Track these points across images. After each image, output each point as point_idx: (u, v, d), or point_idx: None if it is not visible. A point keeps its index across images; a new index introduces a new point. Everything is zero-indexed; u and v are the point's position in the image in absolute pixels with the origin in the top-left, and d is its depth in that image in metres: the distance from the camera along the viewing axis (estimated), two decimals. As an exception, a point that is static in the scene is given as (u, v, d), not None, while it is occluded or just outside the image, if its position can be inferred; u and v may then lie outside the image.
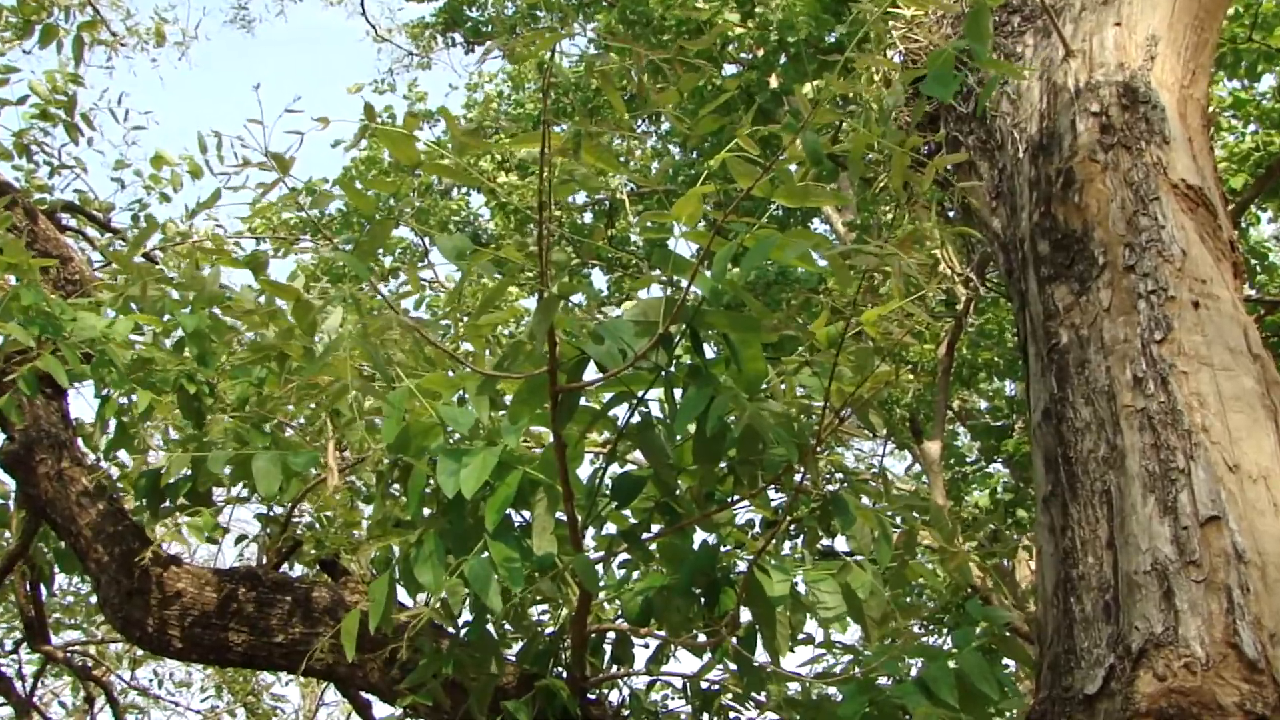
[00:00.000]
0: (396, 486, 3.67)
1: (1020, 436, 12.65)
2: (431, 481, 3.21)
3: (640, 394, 2.91)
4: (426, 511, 3.29)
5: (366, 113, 2.49)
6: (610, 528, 3.45)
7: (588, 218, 13.69)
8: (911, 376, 10.93)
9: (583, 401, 2.96)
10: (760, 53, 10.51)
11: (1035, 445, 3.46)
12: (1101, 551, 2.96)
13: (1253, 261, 11.67)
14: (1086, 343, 3.33)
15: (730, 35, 10.04)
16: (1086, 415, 3.20)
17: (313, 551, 4.24)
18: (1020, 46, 4.60)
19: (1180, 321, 3.18)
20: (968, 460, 14.49)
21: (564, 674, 3.55)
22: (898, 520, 3.42)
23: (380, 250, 12.17)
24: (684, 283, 2.66)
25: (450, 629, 3.64)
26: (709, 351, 2.90)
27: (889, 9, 5.66)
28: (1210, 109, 4.39)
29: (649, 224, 2.77)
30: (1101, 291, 3.38)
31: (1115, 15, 4.16)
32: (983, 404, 15.20)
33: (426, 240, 12.67)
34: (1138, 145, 3.67)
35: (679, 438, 2.97)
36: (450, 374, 3.33)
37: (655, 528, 3.28)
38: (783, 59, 10.15)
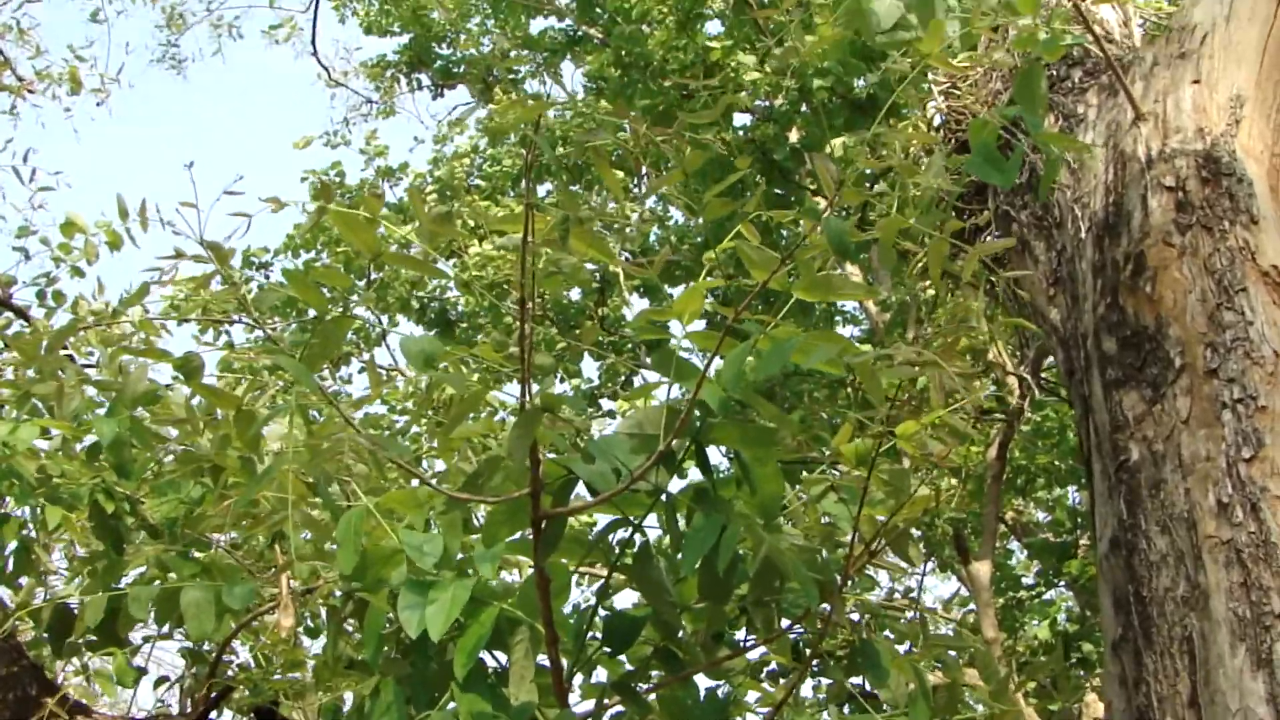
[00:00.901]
0: (351, 622, 3.66)
1: (1087, 555, 12.62)
2: (392, 617, 3.21)
3: (637, 521, 2.93)
4: (386, 652, 3.29)
5: (321, 193, 2.53)
6: (601, 675, 3.44)
7: (575, 294, 13.79)
8: (955, 483, 10.93)
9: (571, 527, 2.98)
10: (779, 102, 10.65)
11: (1103, 580, 3.48)
12: (1183, 711, 2.96)
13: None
14: (1162, 460, 3.36)
15: (744, 82, 10.18)
16: (1162, 546, 3.22)
17: (247, 696, 4.22)
18: (1082, 106, 4.68)
19: (1274, 436, 3.21)
20: (1024, 584, 14.43)
21: None
22: (938, 665, 3.41)
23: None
24: (688, 391, 2.69)
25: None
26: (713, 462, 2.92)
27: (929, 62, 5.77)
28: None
29: (647, 322, 2.81)
30: (1179, 399, 3.41)
31: (1194, 72, 4.24)
32: (1041, 516, 15.18)
33: (385, 319, 12.74)
34: (1220, 225, 3.72)
35: (684, 572, 2.98)
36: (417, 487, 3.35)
37: (655, 675, 3.27)
38: (804, 107, 10.27)
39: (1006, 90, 5.24)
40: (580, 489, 2.93)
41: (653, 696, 3.32)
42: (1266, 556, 3.00)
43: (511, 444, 2.61)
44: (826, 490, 2.98)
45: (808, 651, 3.11)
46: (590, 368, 14.89)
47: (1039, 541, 13.76)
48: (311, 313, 2.70)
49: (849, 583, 2.91)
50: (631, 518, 2.95)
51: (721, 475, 2.94)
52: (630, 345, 13.48)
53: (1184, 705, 2.95)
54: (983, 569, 10.93)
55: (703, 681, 3.40)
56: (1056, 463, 13.10)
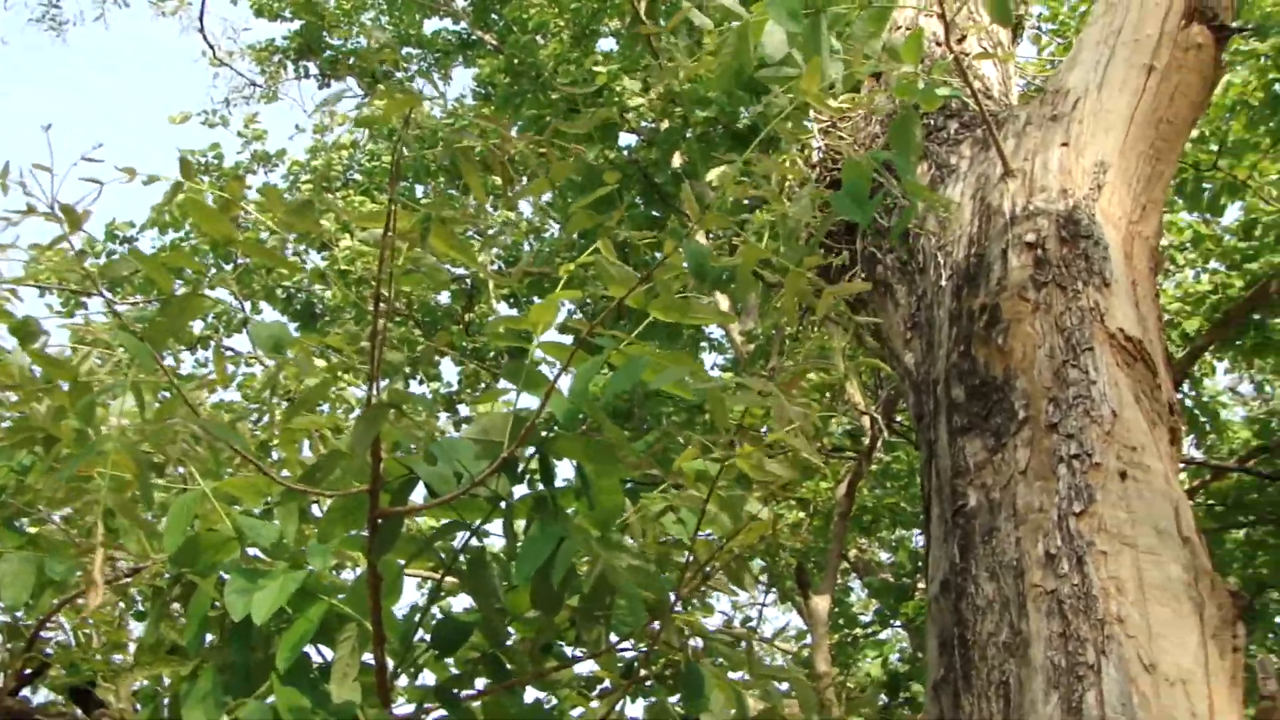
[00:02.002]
0: (176, 605, 3.61)
1: (924, 597, 12.84)
2: (219, 605, 3.17)
3: (475, 525, 2.93)
4: (208, 639, 3.25)
5: (182, 169, 2.50)
6: (427, 678, 3.43)
7: (444, 298, 13.73)
8: (803, 516, 11.06)
9: (407, 528, 2.97)
10: (664, 125, 10.71)
11: (931, 621, 3.55)
12: (994, 753, 3.03)
13: (1202, 419, 12.09)
14: (997, 508, 3.44)
15: (629, 105, 10.23)
16: (990, 592, 3.30)
17: (64, 675, 4.14)
18: (955, 157, 4.79)
19: (1104, 493, 3.31)
20: (860, 621, 14.65)
21: None
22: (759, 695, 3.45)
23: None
24: (536, 401, 2.70)
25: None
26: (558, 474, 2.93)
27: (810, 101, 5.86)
28: (1162, 246, 4.60)
29: (504, 330, 2.82)
30: (1019, 450, 3.50)
31: (1063, 134, 4.36)
32: (884, 556, 15.43)
33: (247, 305, 12.58)
34: (1074, 286, 3.82)
35: (517, 581, 2.99)
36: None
37: (480, 683, 3.27)
38: (688, 134, 10.34)
39: (884, 135, 5.34)
40: (420, 490, 2.93)
41: (477, 704, 3.32)
42: (1087, 609, 3.09)
43: (355, 438, 2.60)
44: (666, 510, 3.01)
45: (636, 669, 3.12)
46: (450, 372, 14.83)
47: (879, 581, 13.98)
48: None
49: (682, 604, 2.94)
50: (469, 522, 2.96)
51: (563, 487, 2.95)
52: (493, 353, 13.45)
53: (995, 748, 3.03)
54: (822, 603, 11.08)
55: (530, 694, 3.41)
56: (903, 505, 13.33)
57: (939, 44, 5.33)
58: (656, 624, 2.93)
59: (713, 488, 2.80)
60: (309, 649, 3.13)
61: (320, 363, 3.43)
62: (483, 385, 13.71)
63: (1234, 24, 4.80)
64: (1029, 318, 3.79)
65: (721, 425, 2.62)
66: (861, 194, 3.53)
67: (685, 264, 2.49)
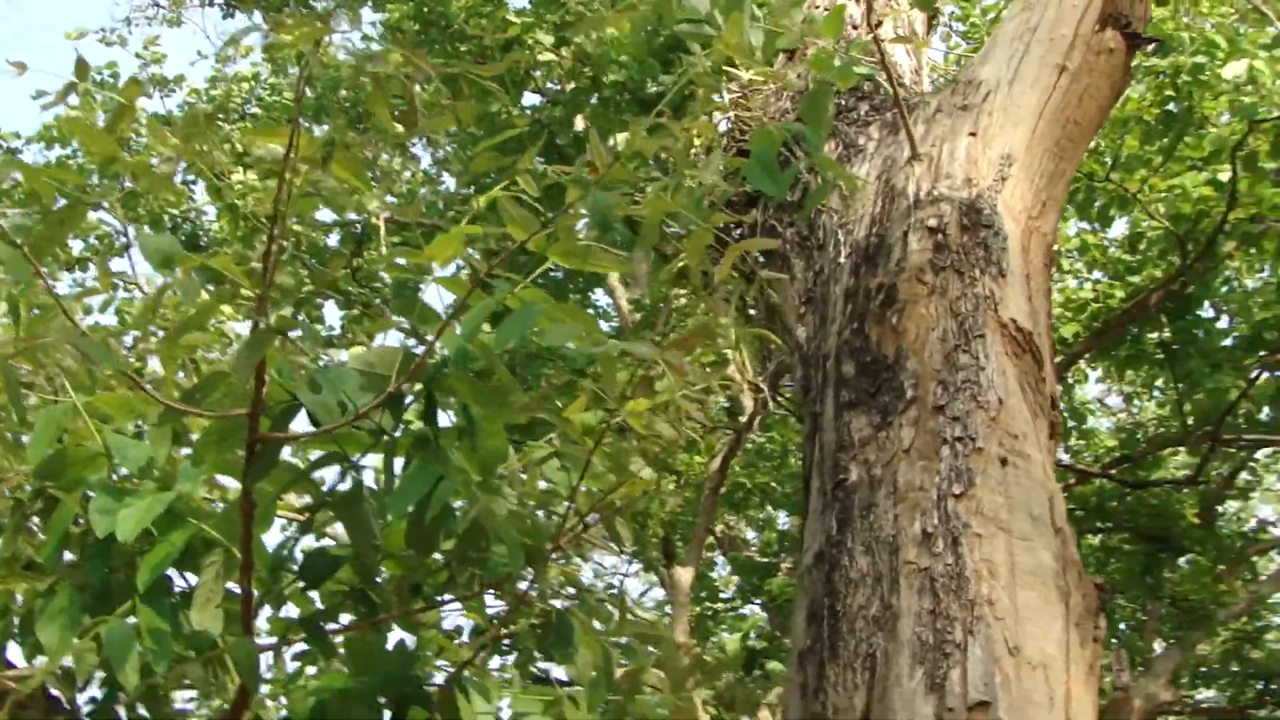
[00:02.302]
0: (36, 521, 3.51)
1: (788, 575, 12.97)
2: (80, 522, 3.09)
3: (355, 459, 2.87)
4: (67, 557, 3.16)
5: (77, 69, 2.41)
6: (290, 610, 3.37)
7: (333, 240, 13.53)
8: (673, 488, 11.09)
9: (285, 456, 2.90)
10: (570, 87, 10.63)
11: (802, 591, 3.56)
12: (855, 724, 3.05)
13: (1071, 423, 12.34)
14: (878, 484, 3.46)
15: (539, 60, 10.14)
16: (864, 566, 3.32)
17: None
18: (863, 138, 4.80)
19: (984, 478, 3.34)
20: (722, 596, 14.75)
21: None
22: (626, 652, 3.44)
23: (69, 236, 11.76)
24: (429, 337, 2.65)
25: (68, 704, 3.47)
26: (443, 420, 2.88)
27: (726, 68, 5.84)
28: (1055, 247, 4.65)
29: (398, 261, 2.76)
30: (904, 429, 3.52)
31: (972, 124, 4.38)
32: (750, 535, 15.55)
33: (131, 230, 12.28)
34: (971, 273, 3.85)
35: (391, 517, 2.93)
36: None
37: (345, 619, 3.22)
38: (594, 99, 10.26)
39: (794, 111, 5.34)
40: (302, 420, 2.87)
41: (340, 639, 3.27)
42: (958, 589, 3.12)
43: (240, 360, 2.53)
44: (550, 456, 2.97)
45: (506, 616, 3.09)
46: (333, 315, 14.62)
47: (742, 558, 14.09)
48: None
49: (557, 555, 2.91)
50: (348, 455, 2.90)
51: (446, 428, 2.90)
52: (379, 300, 13.28)
53: (857, 718, 3.04)
54: (685, 575, 11.14)
55: (395, 635, 3.37)
56: (774, 484, 13.44)
57: (854, 27, 5.34)
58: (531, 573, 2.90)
59: (599, 440, 2.78)
60: (171, 574, 3.06)
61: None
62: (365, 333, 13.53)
63: (1145, 35, 4.86)
64: (925, 300, 3.81)
65: (610, 388, 2.59)
66: (772, 163, 3.52)
67: (591, 210, 2.45)
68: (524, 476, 3.03)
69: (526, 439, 3.21)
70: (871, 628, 3.18)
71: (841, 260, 4.29)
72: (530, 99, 12.08)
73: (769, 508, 13.93)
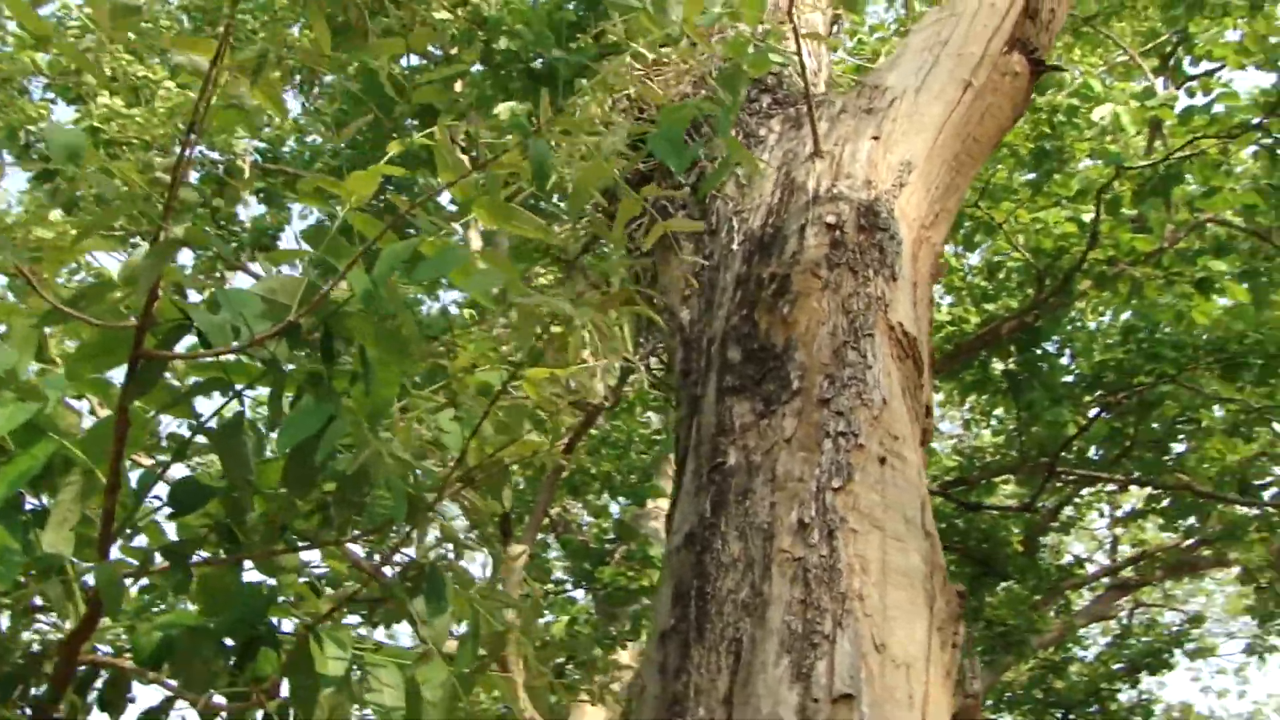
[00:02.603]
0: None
1: (617, 567, 12.98)
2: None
3: (240, 388, 2.78)
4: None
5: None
6: (140, 542, 3.25)
7: (193, 178, 13.14)
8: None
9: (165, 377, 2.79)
10: (455, 51, 10.44)
11: (668, 572, 3.54)
12: (716, 706, 3.04)
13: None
14: (756, 470, 3.45)
15: (428, 19, 9.95)
16: (736, 550, 3.31)
17: None
18: (764, 130, 4.81)
19: (863, 474, 3.36)
20: (552, 578, 14.73)
21: (29, 709, 3.29)
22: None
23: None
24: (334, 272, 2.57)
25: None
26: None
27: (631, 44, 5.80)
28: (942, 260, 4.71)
29: (314, 189, 2.67)
30: (787, 419, 3.53)
31: (875, 128, 4.42)
32: (585, 520, 15.56)
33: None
34: (865, 273, 3.87)
35: (274, 452, 2.85)
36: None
37: (201, 554, 3.11)
38: (477, 68, 10.09)
39: (694, 96, 5.32)
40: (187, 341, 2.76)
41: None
42: (830, 581, 3.13)
43: (139, 270, 2.42)
44: (444, 407, 2.91)
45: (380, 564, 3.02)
46: (186, 257, 14.23)
47: (576, 542, 14.08)
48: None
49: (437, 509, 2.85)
50: (233, 383, 2.80)
51: (339, 367, 2.82)
52: (238, 245, 12.95)
53: (719, 701, 3.03)
54: (518, 552, 11.09)
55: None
56: (617, 473, 13.46)
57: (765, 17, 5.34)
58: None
59: (494, 399, 2.72)
60: (22, 492, 2.93)
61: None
62: (218, 274, 13.20)
63: (1049, 63, 4.95)
64: (817, 294, 3.82)
65: (524, 342, 2.54)
66: (679, 139, 3.49)
67: (530, 161, 2.39)
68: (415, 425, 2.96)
69: (417, 388, 3.14)
70: (740, 612, 3.17)
71: (734, 247, 4.29)
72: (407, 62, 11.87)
73: (606, 495, 13.94)
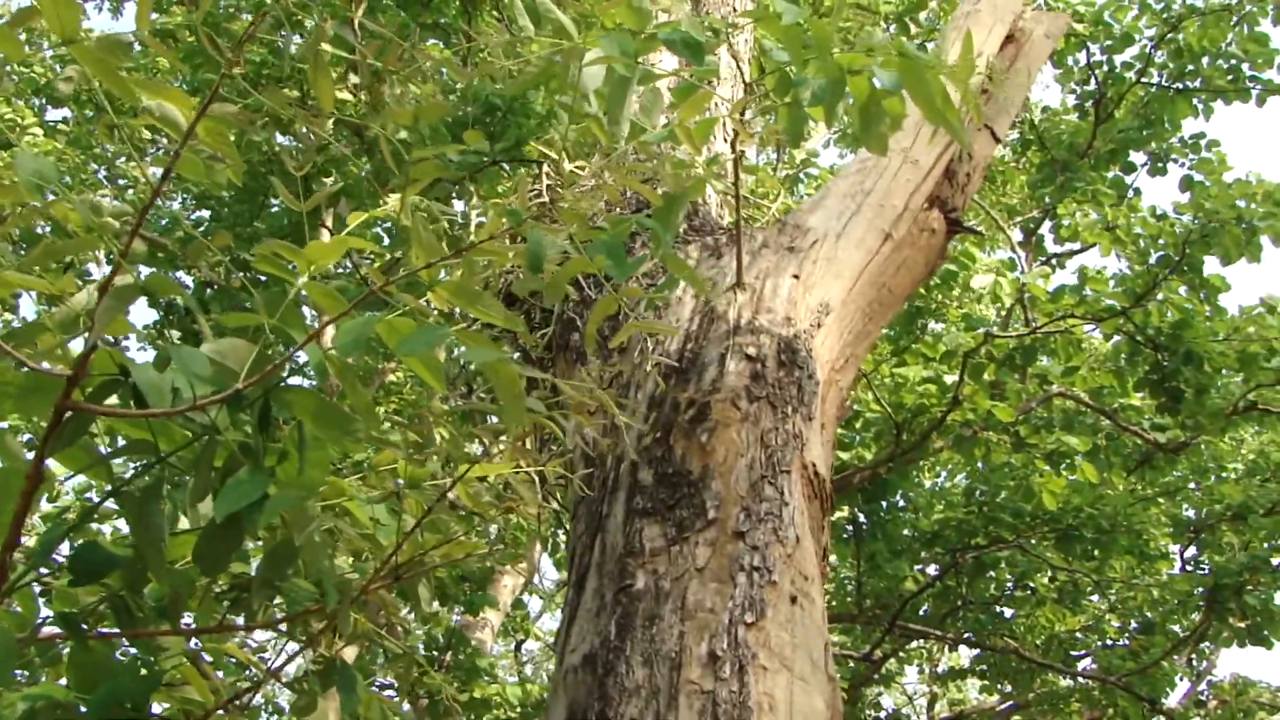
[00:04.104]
0: None
1: (443, 677, 12.69)
2: None
3: (166, 454, 2.63)
4: None
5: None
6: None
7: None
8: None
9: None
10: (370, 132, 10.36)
11: (561, 690, 3.44)
12: (614, 838, 2.94)
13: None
14: (665, 596, 3.39)
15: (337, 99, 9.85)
16: (640, 677, 3.23)
17: None
18: (683, 255, 4.81)
19: (775, 612, 3.31)
20: (375, 684, 14.35)
21: None
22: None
23: None
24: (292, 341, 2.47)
25: None
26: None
27: (544, 151, 5.79)
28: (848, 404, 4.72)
29: (272, 254, 2.56)
30: (700, 548, 3.47)
31: (796, 267, 4.44)
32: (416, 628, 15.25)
33: None
34: (785, 409, 3.87)
35: (186, 522, 2.70)
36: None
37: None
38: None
39: (610, 210, 5.32)
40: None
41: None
42: (740, 717, 3.06)
43: (100, 314, 2.29)
44: (388, 496, 2.79)
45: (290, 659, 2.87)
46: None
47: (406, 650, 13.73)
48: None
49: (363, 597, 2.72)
50: (159, 446, 2.66)
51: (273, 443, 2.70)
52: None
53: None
54: (349, 654, 10.77)
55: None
56: (448, 580, 13.18)
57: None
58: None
59: (442, 495, 2.63)
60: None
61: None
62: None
63: (965, 224, 5.06)
64: (737, 425, 3.79)
65: (516, 430, 2.45)
66: (620, 250, 3.47)
67: (527, 249, 2.33)
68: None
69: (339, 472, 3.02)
70: (643, 741, 3.09)
71: (649, 368, 4.25)
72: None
73: (436, 603, 13.66)
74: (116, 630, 2.84)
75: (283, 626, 2.75)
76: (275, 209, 12.08)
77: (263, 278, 2.81)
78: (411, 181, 2.40)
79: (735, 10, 6.89)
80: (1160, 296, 9.55)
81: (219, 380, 2.50)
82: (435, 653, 11.95)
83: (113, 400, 2.59)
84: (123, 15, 18.81)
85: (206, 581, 2.76)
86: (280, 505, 2.42)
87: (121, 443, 2.69)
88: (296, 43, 2.73)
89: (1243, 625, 12.20)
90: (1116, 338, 10.10)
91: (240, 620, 2.81)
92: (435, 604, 14.21)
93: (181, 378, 2.41)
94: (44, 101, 13.60)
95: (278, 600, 2.79)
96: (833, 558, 14.09)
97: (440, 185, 9.08)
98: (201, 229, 13.28)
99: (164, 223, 14.46)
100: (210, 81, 11.44)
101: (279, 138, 10.75)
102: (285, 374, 2.60)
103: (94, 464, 2.67)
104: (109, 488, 2.64)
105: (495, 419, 2.73)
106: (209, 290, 13.06)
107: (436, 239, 2.41)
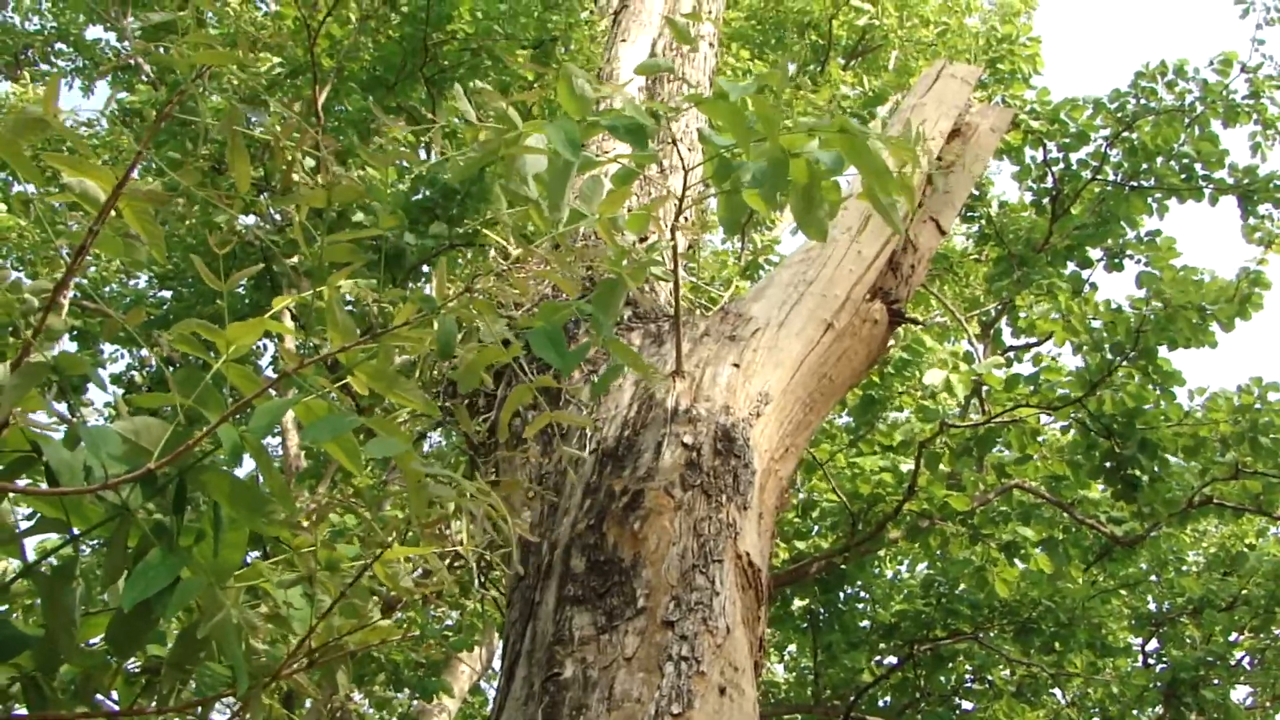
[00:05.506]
0: None
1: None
2: None
3: (78, 533, 2.61)
4: None
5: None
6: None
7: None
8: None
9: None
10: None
11: (487, 780, 3.41)
12: None
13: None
14: (592, 686, 3.36)
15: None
16: (565, 767, 3.20)
17: None
18: (625, 341, 4.82)
19: (703, 703, 3.28)
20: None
21: None
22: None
23: None
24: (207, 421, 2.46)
25: None
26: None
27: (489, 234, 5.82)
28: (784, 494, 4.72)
29: (191, 333, 2.57)
30: (629, 637, 3.45)
31: (737, 355, 4.46)
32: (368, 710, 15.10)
33: None
34: (719, 498, 3.86)
35: (102, 601, 2.68)
36: None
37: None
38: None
39: (555, 298, 5.34)
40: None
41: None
42: (664, 811, 3.03)
43: (4, 391, 2.28)
44: (299, 580, 2.77)
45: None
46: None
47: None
48: None
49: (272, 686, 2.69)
50: (69, 525, 2.64)
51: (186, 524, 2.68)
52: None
53: None
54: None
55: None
56: (403, 666, 13.09)
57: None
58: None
59: (356, 578, 2.61)
60: None
61: None
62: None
63: (907, 315, 5.09)
64: (670, 513, 3.79)
65: (418, 513, 2.44)
66: (559, 338, 3.47)
67: (437, 338, 2.34)
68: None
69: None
70: (564, 833, 3.05)
71: (586, 454, 4.25)
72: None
73: (391, 688, 13.52)
74: (26, 712, 2.80)
75: (197, 710, 2.72)
76: (240, 289, 12.11)
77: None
78: (329, 264, 2.41)
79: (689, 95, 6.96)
80: (1115, 385, 9.62)
81: (133, 459, 2.49)
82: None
83: (25, 480, 2.58)
84: (94, 94, 18.94)
85: (118, 663, 2.72)
86: (190, 592, 2.40)
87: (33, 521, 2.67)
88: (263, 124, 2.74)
89: (1200, 721, 12.18)
90: (1071, 430, 10.15)
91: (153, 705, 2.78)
92: (393, 690, 14.10)
93: (95, 457, 2.40)
94: (7, 176, 13.61)
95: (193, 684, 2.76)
96: (791, 646, 14.03)
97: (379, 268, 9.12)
98: (165, 308, 13.30)
99: (127, 301, 14.49)
100: (173, 161, 11.51)
101: (242, 218, 10.79)
102: (204, 455, 2.59)
103: (6, 541, 2.65)
104: (20, 566, 2.62)
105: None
106: (172, 369, 13.01)
107: (352, 323, 2.41)
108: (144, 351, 14.72)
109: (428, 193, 9.18)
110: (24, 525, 2.70)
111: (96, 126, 13.94)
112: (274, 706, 2.80)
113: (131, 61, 16.08)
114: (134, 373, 14.89)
